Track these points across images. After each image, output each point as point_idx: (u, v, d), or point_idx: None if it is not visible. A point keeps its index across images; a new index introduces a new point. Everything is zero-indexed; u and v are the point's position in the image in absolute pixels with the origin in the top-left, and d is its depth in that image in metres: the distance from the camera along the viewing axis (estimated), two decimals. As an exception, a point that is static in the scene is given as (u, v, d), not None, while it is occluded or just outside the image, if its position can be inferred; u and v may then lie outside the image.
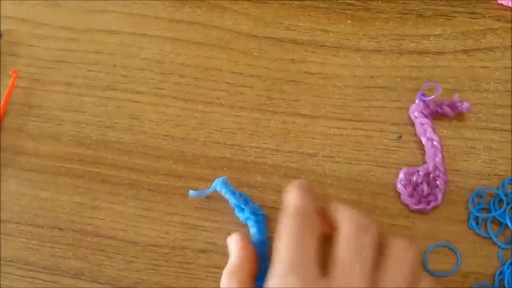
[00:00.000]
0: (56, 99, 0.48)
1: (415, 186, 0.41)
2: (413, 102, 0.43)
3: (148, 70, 0.48)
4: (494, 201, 0.40)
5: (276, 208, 0.42)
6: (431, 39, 0.45)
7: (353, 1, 0.48)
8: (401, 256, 0.31)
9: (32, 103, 0.48)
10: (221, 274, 0.40)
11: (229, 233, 0.41)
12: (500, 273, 0.38)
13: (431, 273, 0.39)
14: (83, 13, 0.51)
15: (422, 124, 0.42)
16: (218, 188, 0.41)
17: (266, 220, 0.40)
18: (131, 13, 0.50)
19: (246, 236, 0.39)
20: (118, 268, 0.42)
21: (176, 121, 0.46)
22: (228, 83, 0.46)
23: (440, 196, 0.40)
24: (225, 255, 0.41)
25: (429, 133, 0.41)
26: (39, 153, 0.46)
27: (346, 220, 0.32)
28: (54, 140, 0.46)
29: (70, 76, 0.49)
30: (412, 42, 0.46)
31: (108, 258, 0.42)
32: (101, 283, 0.42)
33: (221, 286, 0.36)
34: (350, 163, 0.43)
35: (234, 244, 0.38)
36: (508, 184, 0.40)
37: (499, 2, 0.46)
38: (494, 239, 0.39)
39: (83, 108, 0.47)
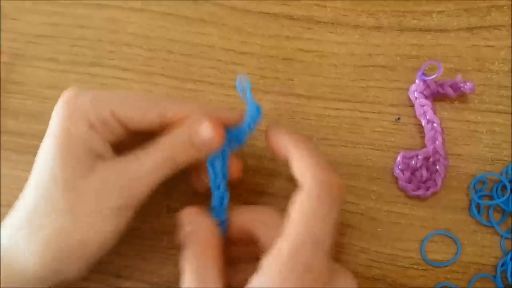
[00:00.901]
0: (39, 76, 0.46)
1: (414, 171, 0.39)
2: (413, 82, 0.41)
3: (135, 46, 0.45)
4: (497, 188, 0.38)
5: (265, 192, 0.40)
6: (433, 16, 0.43)
7: (352, -24, 0.46)
8: None
9: (13, 79, 0.46)
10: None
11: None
12: (503, 264, 0.37)
13: (430, 263, 0.37)
14: (69, -15, 0.49)
15: (422, 106, 0.39)
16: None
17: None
18: (118, -14, 0.48)
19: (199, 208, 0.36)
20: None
21: (163, 99, 0.43)
22: (219, 60, 0.44)
23: (439, 181, 0.38)
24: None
25: (429, 115, 0.39)
26: (20, 131, 0.44)
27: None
28: (36, 118, 0.44)
29: (54, 52, 0.47)
30: (413, 19, 0.43)
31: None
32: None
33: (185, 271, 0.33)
34: (346, 146, 0.41)
35: (193, 219, 0.34)
36: (512, 170, 0.38)
37: (506, -22, 0.44)
38: (496, 228, 0.37)
39: (67, 85, 0.43)
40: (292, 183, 0.40)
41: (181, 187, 0.41)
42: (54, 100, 0.43)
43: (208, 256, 0.32)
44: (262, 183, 0.41)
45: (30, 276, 0.33)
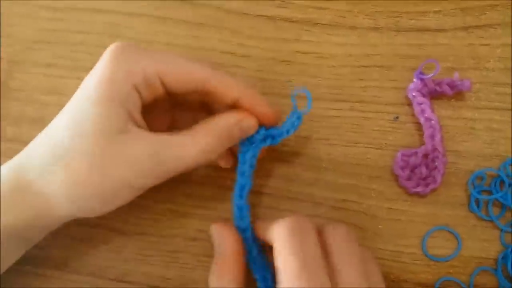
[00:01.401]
0: (38, 81, 0.46)
1: (413, 168, 0.39)
2: (411, 81, 0.41)
3: (134, 51, 0.46)
4: (495, 183, 0.39)
5: (263, 193, 0.41)
6: (430, 16, 0.44)
7: (347, -22, 0.46)
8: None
9: (13, 85, 0.46)
10: (211, 262, 0.39)
11: (220, 220, 0.40)
12: (503, 257, 0.37)
13: (432, 259, 0.38)
14: (68, -8, 0.49)
15: (420, 104, 0.40)
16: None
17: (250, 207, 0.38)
18: (117, -9, 0.48)
19: (228, 223, 0.37)
20: (104, 258, 0.40)
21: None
22: (218, 63, 0.44)
23: (439, 178, 0.38)
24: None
25: (428, 113, 0.40)
26: (21, 138, 0.44)
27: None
28: (35, 124, 0.44)
29: (53, 57, 0.47)
30: (410, 19, 0.44)
31: (93, 247, 0.41)
32: (86, 275, 0.40)
33: (210, 282, 0.34)
34: (346, 146, 0.41)
35: (217, 234, 0.36)
36: (510, 164, 0.39)
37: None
38: (496, 222, 0.38)
39: (66, 91, 0.45)
40: (289, 183, 0.41)
41: (184, 190, 0.41)
42: (54, 105, 0.44)
43: (229, 271, 0.34)
44: (261, 184, 0.41)
45: (59, 213, 0.35)
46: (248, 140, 0.37)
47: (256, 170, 0.40)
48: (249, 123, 0.36)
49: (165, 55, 0.36)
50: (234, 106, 0.36)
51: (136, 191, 0.36)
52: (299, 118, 0.37)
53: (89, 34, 0.47)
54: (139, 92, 0.35)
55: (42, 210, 0.34)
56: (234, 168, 0.41)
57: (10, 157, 0.35)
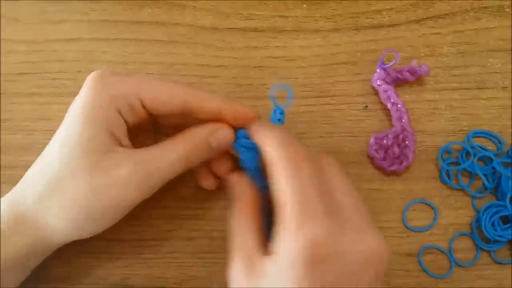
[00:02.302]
0: (23, 110, 0.47)
1: (386, 149, 0.42)
2: (375, 72, 0.45)
3: (114, 72, 0.48)
4: (461, 155, 0.42)
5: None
6: (384, 13, 0.48)
7: (305, -13, 0.50)
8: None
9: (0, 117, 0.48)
10: (208, 258, 0.41)
11: (214, 219, 0.42)
12: (477, 221, 0.40)
13: (412, 230, 0.41)
14: (42, 25, 0.50)
15: (385, 91, 0.44)
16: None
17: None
18: (90, 20, 0.50)
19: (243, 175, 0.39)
20: (105, 267, 0.42)
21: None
22: (195, 75, 0.47)
23: (411, 155, 0.42)
24: (211, 239, 0.42)
25: (393, 98, 0.43)
26: (12, 164, 0.45)
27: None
28: (25, 150, 0.46)
29: (36, 87, 0.48)
30: (367, 18, 0.48)
31: (93, 258, 0.42)
32: (89, 284, 0.41)
33: (232, 226, 0.35)
34: (323, 137, 0.44)
35: (236, 185, 0.38)
36: (473, 137, 0.43)
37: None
38: (467, 189, 0.41)
39: (51, 116, 0.46)
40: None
41: (176, 194, 0.43)
42: (42, 131, 0.46)
43: (248, 215, 0.35)
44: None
45: (56, 238, 0.36)
46: (241, 146, 0.38)
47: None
48: (224, 132, 0.38)
49: (143, 79, 0.37)
50: (216, 120, 0.38)
51: (127, 208, 0.37)
52: (282, 113, 0.39)
53: (67, 62, 0.49)
54: (123, 116, 0.36)
55: (41, 238, 0.36)
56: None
57: (4, 183, 0.36)
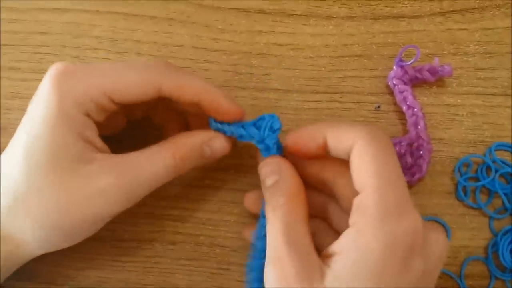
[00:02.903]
0: (1, 86, 0.44)
1: (398, 157, 0.38)
2: (391, 69, 0.40)
3: (101, 50, 0.44)
4: (481, 169, 0.38)
5: (250, 191, 0.39)
6: (406, 3, 0.43)
7: (320, -33, 0.45)
8: None
9: (-26, 91, 0.44)
10: (193, 266, 0.38)
11: (202, 222, 0.38)
12: (493, 245, 0.36)
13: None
14: (27, -8, 0.46)
15: (401, 92, 0.39)
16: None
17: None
18: (79, -11, 0.46)
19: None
20: (78, 267, 0.38)
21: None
22: (191, 59, 0.43)
23: (424, 167, 0.37)
24: (197, 245, 0.38)
25: (410, 100, 0.39)
26: (-17, 146, 0.41)
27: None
28: (1, 130, 0.42)
29: (15, 60, 0.44)
30: (386, 6, 0.43)
31: (66, 256, 0.38)
32: (60, 285, 0.38)
33: (276, 213, 0.30)
34: (327, 138, 0.40)
35: (275, 166, 0.32)
36: (495, 150, 0.38)
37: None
38: (484, 209, 0.37)
39: (30, 94, 0.41)
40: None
41: (160, 192, 0.39)
42: (18, 110, 0.42)
43: (298, 211, 0.30)
44: (246, 182, 0.39)
45: (27, 252, 0.33)
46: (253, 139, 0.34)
47: (239, 168, 0.39)
48: (221, 142, 0.35)
49: (108, 70, 0.33)
50: (196, 105, 0.34)
51: (105, 221, 0.34)
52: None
53: (51, 34, 0.44)
54: (92, 118, 0.33)
55: (11, 253, 0.33)
56: (211, 168, 0.39)
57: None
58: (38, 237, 0.32)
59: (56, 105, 0.31)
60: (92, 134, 0.33)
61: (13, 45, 0.45)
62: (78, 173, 0.31)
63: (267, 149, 0.33)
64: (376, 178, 0.27)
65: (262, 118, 0.34)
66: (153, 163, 0.33)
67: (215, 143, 0.35)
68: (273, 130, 0.34)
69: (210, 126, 0.36)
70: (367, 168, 0.28)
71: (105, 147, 0.34)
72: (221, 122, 0.35)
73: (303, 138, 0.32)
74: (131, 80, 0.33)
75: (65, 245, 0.34)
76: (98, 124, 0.33)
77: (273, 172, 0.32)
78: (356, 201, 0.28)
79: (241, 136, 0.35)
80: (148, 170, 0.33)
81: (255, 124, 0.34)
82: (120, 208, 0.33)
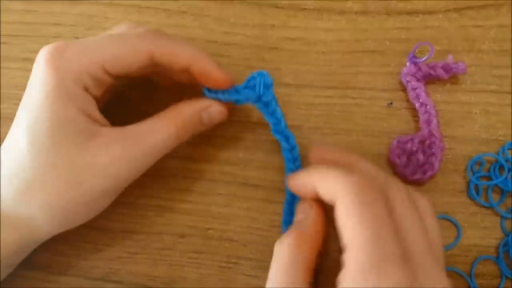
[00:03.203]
0: (13, 77, 0.44)
1: (410, 155, 0.38)
2: (404, 65, 0.40)
3: (114, 42, 0.44)
4: (494, 168, 0.37)
5: (258, 186, 0.39)
6: (420, -1, 0.42)
7: (334, -39, 0.45)
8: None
9: (-14, 82, 0.44)
10: (201, 259, 0.37)
11: (211, 216, 0.38)
12: (504, 245, 0.36)
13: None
14: (41, -17, 0.46)
15: (414, 89, 0.39)
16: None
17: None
18: (93, -19, 0.46)
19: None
20: (88, 258, 0.38)
21: (146, 98, 0.41)
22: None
23: (436, 164, 0.37)
24: (206, 238, 0.38)
25: (423, 97, 0.38)
26: (-4, 136, 0.42)
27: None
28: (12, 121, 0.42)
29: (29, 51, 0.44)
30: (400, 1, 0.42)
31: (77, 248, 0.38)
32: (70, 275, 0.38)
33: (281, 247, 0.29)
34: (338, 134, 0.39)
35: (306, 205, 0.31)
36: (509, 149, 0.38)
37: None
38: (496, 208, 0.37)
39: None
40: (283, 175, 0.39)
41: (170, 185, 0.39)
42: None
43: (302, 250, 0.29)
44: (255, 176, 0.39)
45: (43, 233, 0.34)
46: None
47: (250, 163, 0.39)
48: (217, 109, 0.37)
49: (102, 43, 0.34)
50: (187, 72, 0.35)
51: (116, 193, 0.35)
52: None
53: (64, 26, 0.45)
54: (90, 92, 0.33)
55: (24, 237, 0.33)
56: (222, 161, 0.39)
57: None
58: (52, 217, 0.33)
59: (55, 82, 0.32)
60: (93, 108, 0.33)
61: (27, 35, 0.45)
62: (84, 147, 0.32)
63: (270, 113, 0.36)
64: (358, 237, 0.26)
65: (252, 78, 0.36)
66: (157, 133, 0.34)
67: (213, 109, 0.36)
68: (267, 87, 0.35)
69: (204, 95, 0.37)
70: (350, 226, 0.27)
71: (105, 121, 0.34)
72: (215, 91, 0.36)
73: (298, 185, 0.32)
74: (125, 50, 0.34)
75: (81, 220, 0.34)
76: (96, 99, 0.34)
77: (300, 211, 0.31)
78: (342, 258, 0.27)
79: (237, 101, 0.36)
80: (153, 140, 0.34)
81: (247, 86, 0.36)
82: (129, 179, 0.34)
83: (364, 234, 0.26)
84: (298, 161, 0.37)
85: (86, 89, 0.33)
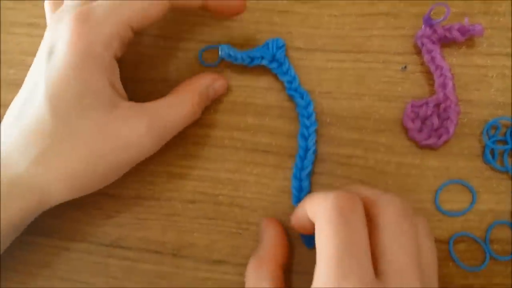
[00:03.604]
0: (19, 42, 0.43)
1: (424, 119, 0.37)
2: (419, 28, 0.39)
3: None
4: (510, 132, 0.36)
5: (268, 151, 0.38)
6: (436, -41, 0.41)
7: None
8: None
9: (-7, 47, 0.43)
10: (211, 225, 0.37)
11: (221, 182, 0.38)
12: (521, 209, 0.35)
13: (445, 213, 0.36)
14: None
15: (429, 52, 0.37)
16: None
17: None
18: None
19: (279, 222, 0.35)
20: (97, 224, 0.38)
21: (153, 61, 0.41)
22: (211, 17, 0.41)
23: (451, 128, 0.36)
24: (216, 204, 0.37)
25: (438, 60, 0.37)
26: (5, 102, 0.41)
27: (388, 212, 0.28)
28: (19, 87, 0.41)
29: (34, 17, 0.44)
30: (415, -38, 0.41)
31: (85, 213, 0.38)
32: (79, 241, 0.38)
33: (247, 272, 0.32)
34: (351, 99, 0.39)
35: (267, 229, 0.35)
36: (526, 113, 0.37)
37: None
38: (512, 173, 0.36)
39: None
40: (293, 140, 0.38)
41: (180, 151, 0.39)
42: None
43: (266, 267, 0.32)
44: (265, 142, 0.38)
45: (53, 200, 0.34)
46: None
47: (260, 128, 0.39)
48: (220, 83, 0.38)
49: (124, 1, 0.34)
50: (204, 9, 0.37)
51: (134, 165, 0.35)
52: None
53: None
54: (116, 56, 0.33)
55: (38, 202, 0.33)
56: (231, 127, 0.39)
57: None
58: (67, 186, 0.33)
59: (84, 50, 0.31)
60: (117, 78, 0.33)
61: (33, 0, 0.44)
62: (109, 119, 0.32)
63: (284, 72, 0.38)
64: (323, 254, 0.26)
65: (266, 44, 0.39)
66: (177, 111, 0.35)
67: (216, 84, 0.38)
68: (279, 47, 0.39)
69: (220, 53, 0.39)
70: (318, 244, 0.27)
71: (124, 92, 0.34)
72: (233, 50, 0.38)
73: (299, 218, 0.32)
74: (148, 3, 0.33)
75: (93, 190, 0.35)
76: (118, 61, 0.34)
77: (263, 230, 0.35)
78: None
79: (251, 60, 0.39)
80: (173, 118, 0.35)
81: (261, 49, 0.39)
82: (149, 153, 0.35)
83: (329, 252, 0.26)
84: (313, 117, 0.37)
85: (115, 55, 0.33)
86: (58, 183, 0.32)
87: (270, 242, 0.33)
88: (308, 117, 0.37)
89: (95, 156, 0.32)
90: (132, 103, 0.34)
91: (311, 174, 0.37)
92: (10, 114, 0.34)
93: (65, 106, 0.31)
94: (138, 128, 0.33)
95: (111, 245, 0.38)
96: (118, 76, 0.34)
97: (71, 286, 0.37)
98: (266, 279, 0.31)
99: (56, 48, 0.32)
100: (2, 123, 0.34)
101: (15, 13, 0.44)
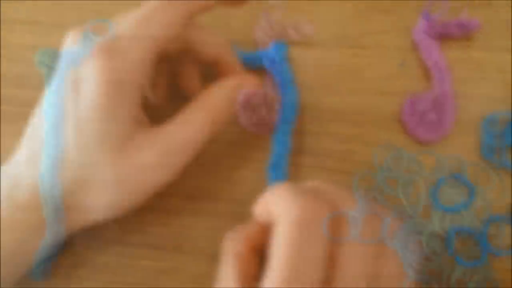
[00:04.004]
0: (22, 38, 0.44)
1: (422, 114, 0.37)
2: (417, 23, 0.39)
3: (122, 3, 0.43)
4: (509, 128, 0.37)
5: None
6: (434, -49, 0.41)
7: None
8: None
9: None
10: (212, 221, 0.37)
11: (221, 179, 0.38)
12: (518, 205, 0.35)
13: (443, 208, 0.36)
14: None
15: (427, 47, 0.38)
16: None
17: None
18: None
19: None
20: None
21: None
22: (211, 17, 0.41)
23: (449, 123, 0.36)
24: (216, 200, 0.38)
25: (436, 55, 0.37)
26: (7, 98, 0.42)
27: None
28: (23, 83, 0.42)
29: (36, 14, 0.44)
30: (412, -46, 0.41)
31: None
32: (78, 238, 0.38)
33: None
34: (349, 94, 0.39)
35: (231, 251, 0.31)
36: (524, 108, 0.37)
37: None
38: (509, 168, 0.36)
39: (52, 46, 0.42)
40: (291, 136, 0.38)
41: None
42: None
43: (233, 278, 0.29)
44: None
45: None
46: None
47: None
48: (252, 82, 0.36)
49: (150, 25, 0.33)
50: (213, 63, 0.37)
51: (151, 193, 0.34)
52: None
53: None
54: (140, 86, 0.33)
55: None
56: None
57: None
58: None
59: (113, 88, 0.31)
60: (139, 109, 0.33)
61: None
62: (126, 150, 0.32)
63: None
64: (274, 259, 0.26)
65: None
66: (192, 132, 0.33)
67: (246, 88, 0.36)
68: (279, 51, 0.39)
69: None
70: (275, 251, 0.26)
71: (144, 118, 0.34)
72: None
73: (260, 211, 0.30)
74: (171, 34, 0.33)
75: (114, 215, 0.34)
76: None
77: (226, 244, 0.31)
78: None
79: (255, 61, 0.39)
80: (187, 140, 0.33)
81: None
82: (164, 180, 0.34)
83: (279, 257, 0.26)
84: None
85: (139, 85, 0.33)
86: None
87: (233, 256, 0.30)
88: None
89: (111, 188, 0.32)
90: (147, 131, 0.33)
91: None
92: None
93: (89, 138, 0.31)
94: (148, 161, 0.32)
95: (111, 242, 0.38)
96: (140, 104, 0.33)
97: (71, 282, 0.38)
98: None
99: (82, 77, 0.32)
100: None
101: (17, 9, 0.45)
